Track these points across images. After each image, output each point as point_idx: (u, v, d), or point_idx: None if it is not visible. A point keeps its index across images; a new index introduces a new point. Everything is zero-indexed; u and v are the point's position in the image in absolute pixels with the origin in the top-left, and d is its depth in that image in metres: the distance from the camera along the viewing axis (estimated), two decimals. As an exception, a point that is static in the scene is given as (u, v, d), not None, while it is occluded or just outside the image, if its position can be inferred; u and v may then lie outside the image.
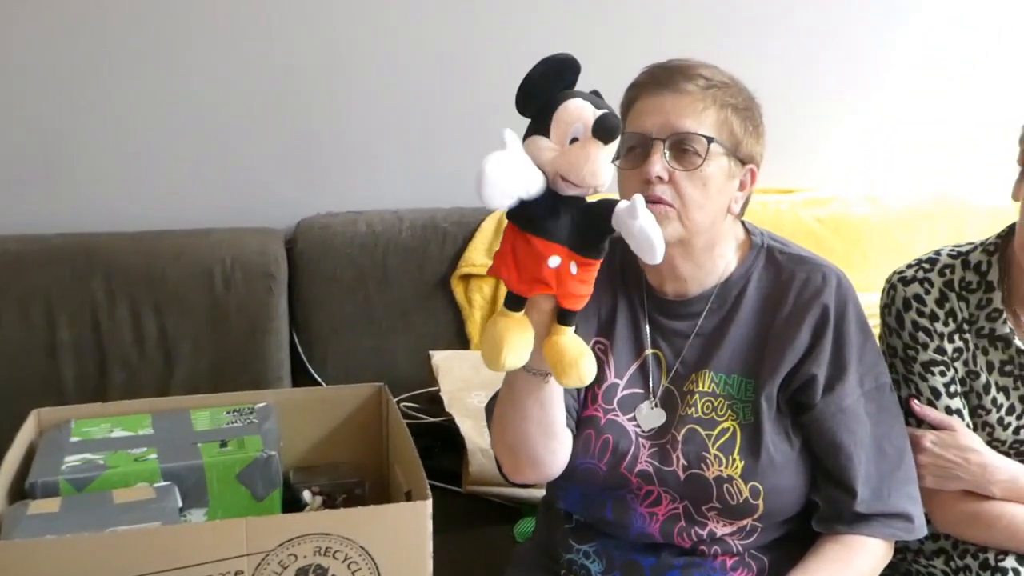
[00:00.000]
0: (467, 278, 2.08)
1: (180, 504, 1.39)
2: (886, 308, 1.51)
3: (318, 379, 2.06)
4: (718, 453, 1.32)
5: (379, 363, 2.07)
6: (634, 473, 1.34)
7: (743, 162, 1.33)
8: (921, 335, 1.47)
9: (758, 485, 1.31)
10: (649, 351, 1.39)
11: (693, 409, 1.35)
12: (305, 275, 2.07)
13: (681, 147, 1.28)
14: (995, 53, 2.31)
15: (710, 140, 1.28)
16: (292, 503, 1.55)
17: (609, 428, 1.36)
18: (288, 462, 1.62)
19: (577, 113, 1.07)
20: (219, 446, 1.48)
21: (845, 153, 2.35)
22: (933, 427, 1.45)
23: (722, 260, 1.38)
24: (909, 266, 1.52)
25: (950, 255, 1.50)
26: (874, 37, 2.29)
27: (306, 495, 1.57)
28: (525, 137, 1.11)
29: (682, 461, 1.33)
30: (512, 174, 1.05)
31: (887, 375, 1.40)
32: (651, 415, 1.37)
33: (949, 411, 1.46)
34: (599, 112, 1.07)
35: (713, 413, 1.34)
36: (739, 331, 1.36)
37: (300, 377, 2.07)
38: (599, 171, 1.07)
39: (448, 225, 2.11)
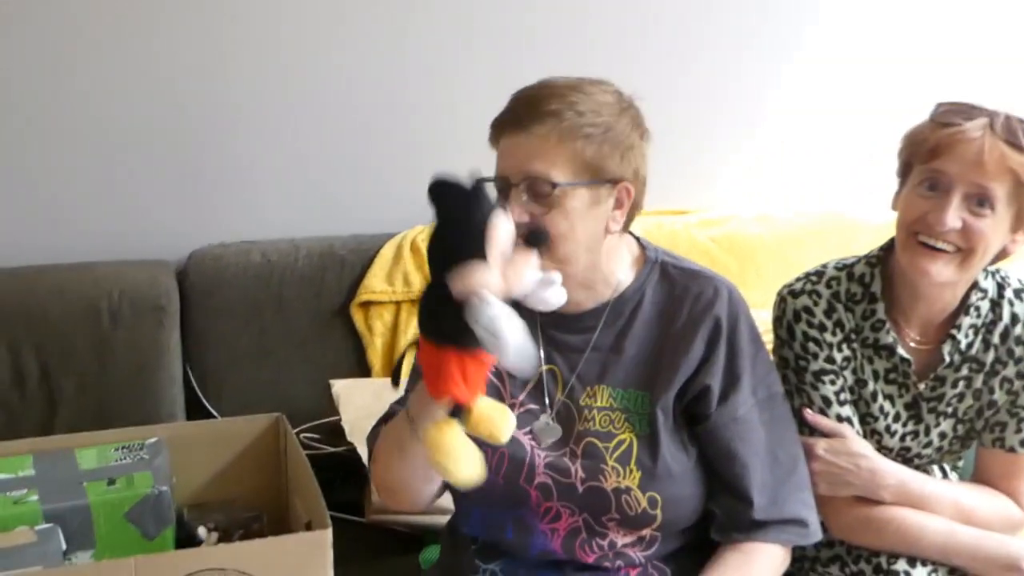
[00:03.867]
0: (367, 305, 2.05)
1: (64, 547, 1.33)
2: (777, 320, 1.55)
3: (214, 414, 2.00)
4: (616, 465, 1.33)
5: (277, 395, 2.01)
6: (533, 486, 1.34)
7: (613, 182, 1.33)
8: (811, 345, 1.51)
9: (656, 495, 1.32)
10: (544, 367, 1.39)
11: (591, 423, 1.36)
12: (198, 308, 2.00)
13: (535, 189, 1.29)
14: (879, 77, 2.42)
15: (554, 185, 1.27)
16: (186, 541, 1.50)
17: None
18: (182, 499, 1.56)
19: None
20: (106, 484, 1.42)
21: (737, 174, 2.41)
22: (825, 435, 1.49)
23: (613, 276, 1.39)
24: (797, 279, 1.57)
25: (836, 267, 1.56)
26: (763, 62, 2.36)
27: (201, 532, 1.52)
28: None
29: (580, 474, 1.33)
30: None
31: (779, 385, 1.43)
32: (547, 430, 1.37)
33: (840, 419, 1.50)
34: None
35: (611, 426, 1.35)
36: (634, 345, 1.38)
37: (195, 413, 2.00)
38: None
39: (346, 252, 2.08)
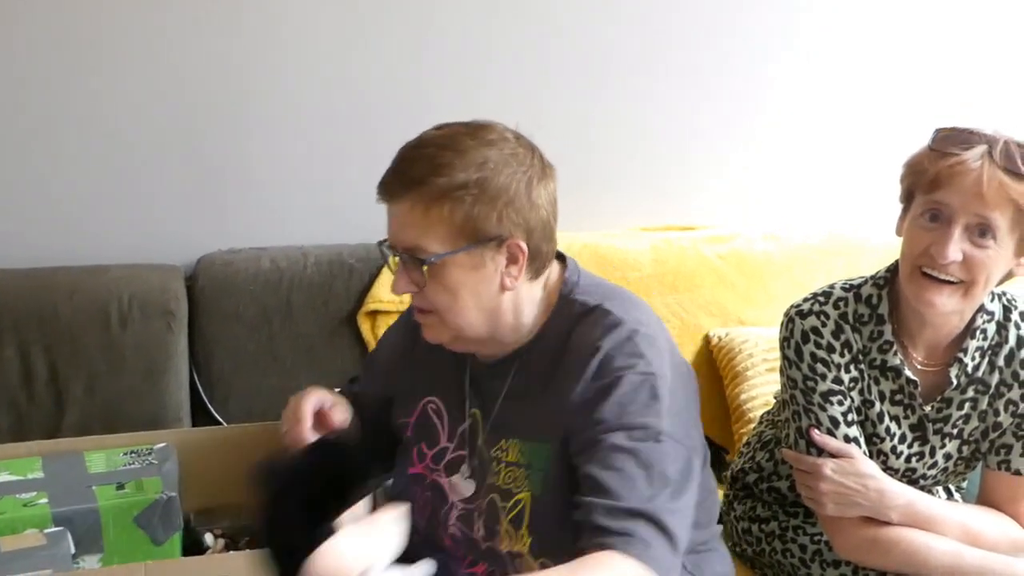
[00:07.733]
0: (374, 314, 2.06)
1: (73, 550, 1.34)
2: (785, 341, 1.55)
3: (219, 419, 2.00)
4: (509, 527, 1.27)
5: (283, 402, 1.97)
6: (448, 535, 1.33)
7: (498, 241, 1.23)
8: (819, 366, 1.51)
9: (547, 561, 1.21)
10: (469, 412, 1.36)
11: (496, 477, 1.30)
12: (206, 312, 2.01)
13: (411, 259, 1.23)
14: (884, 94, 2.42)
15: (422, 262, 1.21)
16: (193, 547, 1.51)
17: (431, 487, 1.36)
18: (189, 504, 1.57)
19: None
20: (115, 488, 1.43)
21: (744, 191, 2.41)
22: (833, 455, 1.49)
23: (524, 326, 1.31)
24: (805, 300, 1.57)
25: (843, 288, 1.56)
26: (758, 77, 2.34)
27: (208, 538, 1.52)
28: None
29: (481, 531, 1.30)
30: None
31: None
32: (463, 485, 1.34)
33: (847, 439, 1.50)
34: None
35: (512, 483, 1.28)
36: (540, 392, 1.28)
37: (200, 418, 2.01)
38: None
39: (354, 261, 2.08)
